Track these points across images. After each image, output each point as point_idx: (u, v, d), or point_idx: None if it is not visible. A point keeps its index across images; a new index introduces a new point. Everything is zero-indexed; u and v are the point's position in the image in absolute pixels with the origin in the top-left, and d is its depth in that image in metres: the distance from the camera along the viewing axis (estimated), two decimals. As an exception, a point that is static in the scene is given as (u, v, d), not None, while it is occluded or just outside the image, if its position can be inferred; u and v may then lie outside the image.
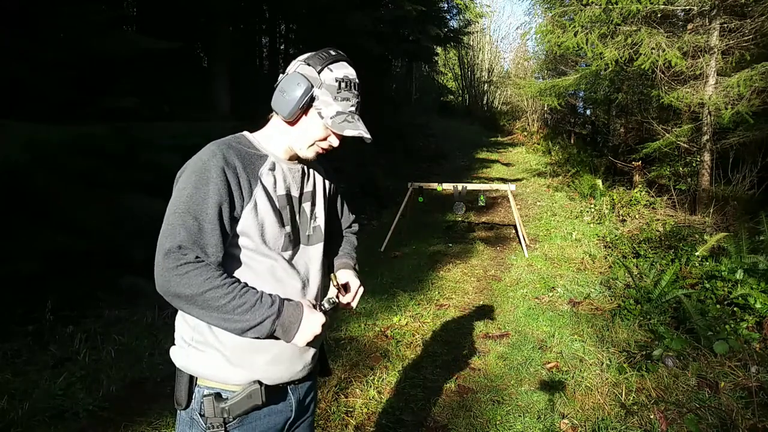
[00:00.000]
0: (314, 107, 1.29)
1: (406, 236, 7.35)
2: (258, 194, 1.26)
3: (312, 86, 1.27)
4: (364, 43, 10.69)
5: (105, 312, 4.14)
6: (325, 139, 1.33)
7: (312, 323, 1.26)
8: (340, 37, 10.01)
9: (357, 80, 1.33)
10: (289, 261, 1.33)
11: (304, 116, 1.30)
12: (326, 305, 1.33)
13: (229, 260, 1.25)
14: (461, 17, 21.89)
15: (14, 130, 3.57)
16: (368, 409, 2.97)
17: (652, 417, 2.75)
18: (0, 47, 4.12)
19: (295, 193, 1.37)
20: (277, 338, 1.24)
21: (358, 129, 1.29)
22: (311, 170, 1.45)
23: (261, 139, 1.36)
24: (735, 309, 3.80)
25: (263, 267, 1.28)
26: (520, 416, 2.90)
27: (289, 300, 1.27)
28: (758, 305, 3.67)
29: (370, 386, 3.20)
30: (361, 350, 3.72)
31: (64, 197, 4.03)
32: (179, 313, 1.33)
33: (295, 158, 1.38)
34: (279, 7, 11.03)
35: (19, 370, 3.25)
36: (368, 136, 1.29)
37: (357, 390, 3.16)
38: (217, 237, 1.19)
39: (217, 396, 1.26)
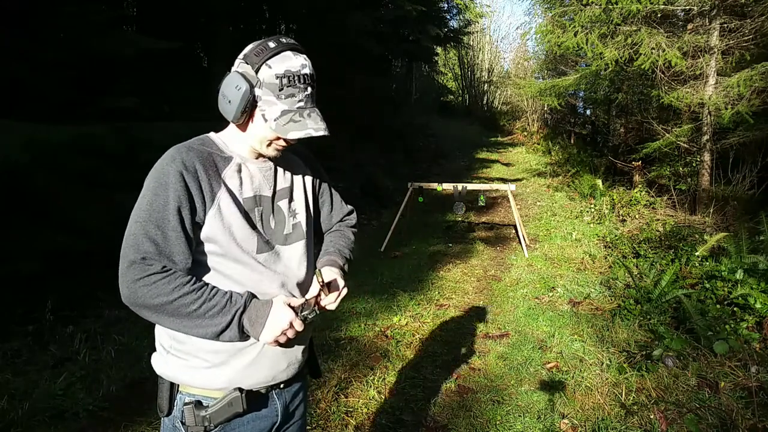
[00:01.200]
0: (258, 108, 1.20)
1: (406, 236, 7.35)
2: (222, 198, 1.20)
3: (252, 86, 1.18)
4: (364, 43, 10.69)
5: (105, 312, 4.14)
6: (276, 138, 1.24)
7: (279, 319, 1.19)
8: (340, 37, 10.01)
9: (305, 71, 1.19)
10: (265, 263, 1.27)
11: (250, 120, 1.23)
12: (309, 316, 1.25)
13: (199, 268, 1.21)
14: (461, 17, 21.91)
15: (14, 130, 3.57)
16: (368, 409, 2.97)
17: (652, 417, 2.75)
18: (0, 47, 4.12)
19: (267, 193, 1.30)
20: (249, 337, 1.21)
21: (305, 128, 1.19)
22: (286, 165, 1.38)
23: (225, 139, 1.29)
24: (735, 309, 3.80)
25: (236, 272, 1.23)
26: (520, 416, 2.90)
27: (258, 298, 1.23)
28: (758, 305, 3.67)
29: (370, 386, 3.20)
30: (361, 350, 3.72)
31: (64, 197, 4.04)
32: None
33: (263, 156, 1.31)
34: (279, 7, 11.03)
35: (19, 370, 3.25)
36: (318, 133, 1.19)
37: (357, 390, 3.16)
38: (183, 244, 1.15)
39: (198, 404, 1.24)
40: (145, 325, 3.96)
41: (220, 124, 1.32)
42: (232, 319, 1.16)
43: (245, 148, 1.28)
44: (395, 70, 18.78)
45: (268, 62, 1.18)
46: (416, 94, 22.17)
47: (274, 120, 1.19)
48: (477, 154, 18.16)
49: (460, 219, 8.68)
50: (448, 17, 19.53)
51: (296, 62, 1.19)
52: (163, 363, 1.28)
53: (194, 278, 1.16)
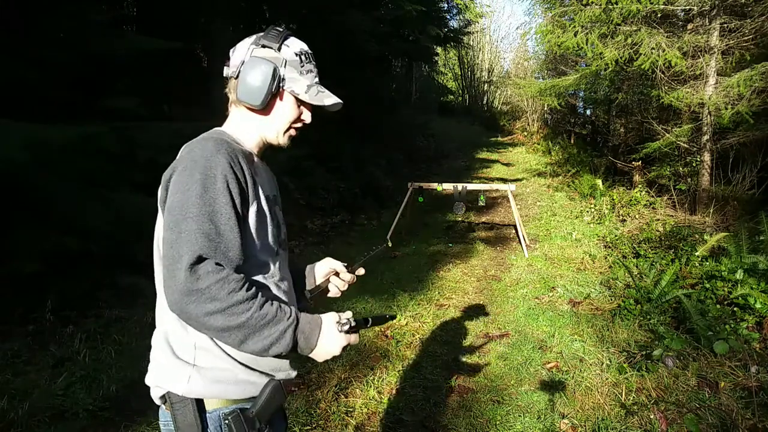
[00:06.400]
0: (285, 88, 1.23)
1: (406, 236, 7.35)
2: (261, 196, 1.18)
3: (277, 67, 1.19)
4: (364, 43, 10.68)
5: (105, 312, 4.15)
6: (298, 119, 1.27)
7: (334, 343, 1.15)
8: (340, 37, 10.00)
9: (310, 50, 1.28)
10: (280, 269, 1.25)
11: (278, 101, 1.24)
12: (345, 327, 1.17)
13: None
14: (461, 17, 21.96)
15: (14, 130, 3.56)
16: (368, 409, 2.97)
17: (652, 417, 2.75)
18: (0, 47, 4.12)
19: (275, 193, 1.32)
20: (296, 352, 1.13)
21: (332, 97, 1.25)
22: (270, 171, 1.37)
23: (237, 135, 1.24)
24: (735, 309, 3.80)
25: (261, 276, 1.19)
26: (520, 416, 2.90)
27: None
28: (758, 305, 3.67)
29: (370, 386, 3.20)
30: (361, 350, 3.72)
31: (64, 197, 4.03)
32: (166, 326, 1.15)
33: (261, 155, 1.30)
34: (279, 7, 11.03)
35: (19, 370, 3.25)
36: (340, 102, 1.26)
37: (357, 390, 3.15)
38: (237, 239, 1.07)
39: (242, 411, 1.13)
40: (145, 325, 3.97)
41: (220, 124, 1.30)
42: (284, 332, 1.07)
43: (254, 144, 1.27)
44: (395, 70, 18.76)
45: (286, 42, 1.22)
46: (416, 94, 22.16)
47: (306, 93, 1.23)
48: (477, 154, 18.16)
49: (460, 219, 8.67)
50: (448, 17, 19.56)
51: (302, 43, 1.27)
52: (184, 380, 1.11)
53: (245, 281, 1.05)
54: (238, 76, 1.20)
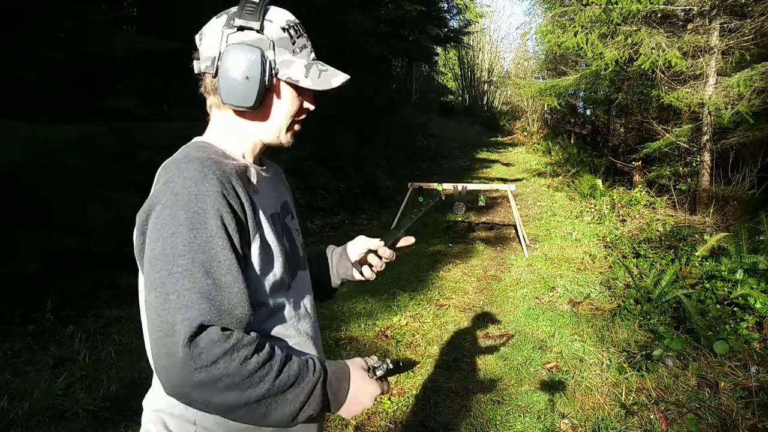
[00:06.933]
0: (280, 76, 0.98)
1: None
2: (263, 223, 0.95)
3: (263, 52, 0.94)
4: (364, 43, 10.68)
5: (105, 312, 4.15)
6: (300, 109, 1.03)
7: (365, 394, 0.94)
8: (340, 36, 10.00)
9: (297, 19, 1.03)
10: (296, 306, 1.04)
11: (274, 96, 0.99)
12: (379, 373, 0.96)
13: None
14: (461, 17, 21.99)
15: (14, 130, 3.57)
16: (368, 409, 2.97)
17: (652, 417, 2.75)
18: (0, 47, 4.12)
19: (285, 199, 1.12)
20: (325, 410, 0.91)
21: (338, 74, 1.00)
22: (276, 173, 1.14)
23: (225, 145, 1.00)
24: (735, 309, 3.80)
25: (277, 324, 0.99)
26: (520, 416, 2.90)
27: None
28: (758, 305, 3.67)
29: (370, 386, 3.19)
30: (361, 350, 3.72)
31: (64, 197, 4.04)
32: (160, 399, 0.95)
33: (258, 159, 1.07)
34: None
35: (19, 370, 3.25)
36: (347, 77, 1.02)
37: (357, 390, 3.15)
38: (243, 291, 0.85)
39: None
40: (145, 325, 3.97)
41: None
42: (312, 390, 0.86)
43: (248, 150, 1.03)
44: (395, 70, 18.77)
45: (267, 17, 0.97)
46: (416, 94, 22.17)
47: (306, 77, 0.98)
48: (477, 154, 18.16)
49: (460, 219, 8.67)
50: (448, 17, 19.59)
51: (286, 11, 1.02)
52: None
53: (257, 340, 0.84)
54: (216, 74, 0.95)
